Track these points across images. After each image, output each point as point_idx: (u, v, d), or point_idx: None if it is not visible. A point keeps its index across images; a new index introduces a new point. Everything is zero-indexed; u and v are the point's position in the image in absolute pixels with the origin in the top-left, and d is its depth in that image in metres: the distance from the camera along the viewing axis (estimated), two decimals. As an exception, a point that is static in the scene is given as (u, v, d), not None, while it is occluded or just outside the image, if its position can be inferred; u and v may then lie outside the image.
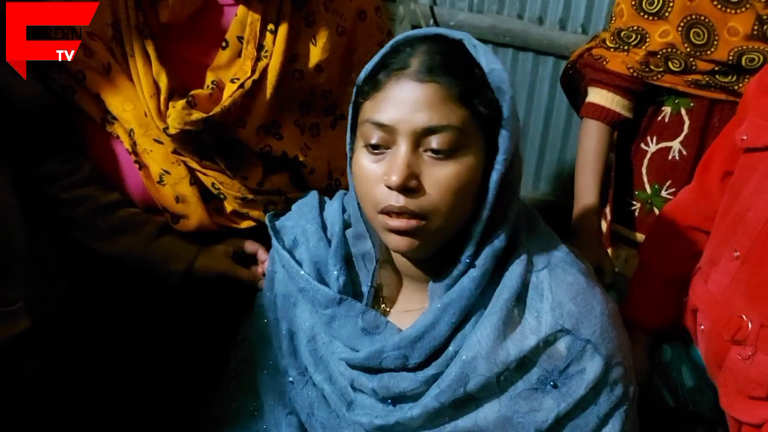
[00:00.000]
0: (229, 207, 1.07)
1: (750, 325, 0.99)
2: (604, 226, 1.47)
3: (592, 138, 1.39)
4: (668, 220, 1.22)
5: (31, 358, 0.96)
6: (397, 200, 0.74)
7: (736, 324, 1.01)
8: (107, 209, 1.04)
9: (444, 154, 0.74)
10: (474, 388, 0.78)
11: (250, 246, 1.10)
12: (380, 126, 0.74)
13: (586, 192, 1.37)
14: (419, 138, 0.73)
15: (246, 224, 1.09)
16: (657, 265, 1.21)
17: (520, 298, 0.80)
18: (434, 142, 0.73)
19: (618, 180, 1.45)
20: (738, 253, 1.01)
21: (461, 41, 0.77)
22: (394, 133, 0.74)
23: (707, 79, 1.29)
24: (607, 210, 1.47)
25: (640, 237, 1.42)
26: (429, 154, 0.74)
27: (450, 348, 0.80)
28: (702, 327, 1.09)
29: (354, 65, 1.10)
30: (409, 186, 0.73)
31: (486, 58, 0.76)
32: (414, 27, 2.71)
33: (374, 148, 0.75)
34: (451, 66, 0.74)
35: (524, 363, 0.79)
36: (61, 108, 1.01)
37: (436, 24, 2.61)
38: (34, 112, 0.98)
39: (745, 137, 1.05)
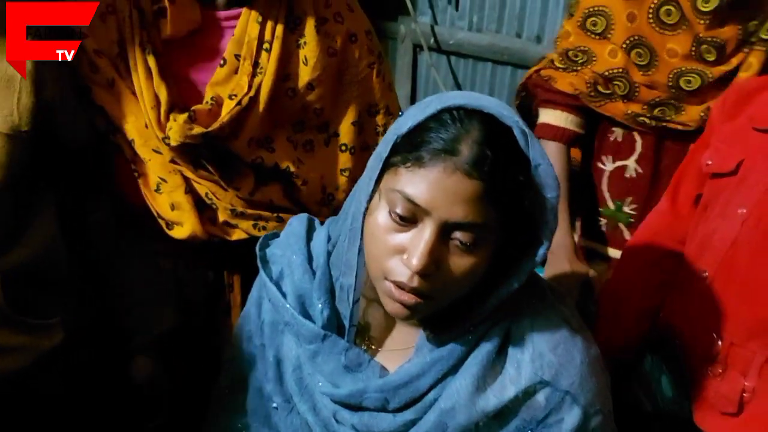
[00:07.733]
0: (221, 217, 1.13)
1: (720, 343, 1.02)
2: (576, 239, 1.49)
3: (552, 161, 1.37)
4: (640, 249, 1.22)
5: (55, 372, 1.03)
6: (411, 281, 0.73)
7: (707, 342, 1.03)
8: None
9: (468, 246, 0.73)
10: None
11: None
12: (413, 203, 0.72)
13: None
14: (449, 228, 0.72)
15: (237, 236, 1.14)
16: (629, 298, 1.20)
17: (501, 348, 0.81)
18: (462, 235, 0.72)
19: (583, 196, 1.46)
20: (707, 274, 1.05)
21: (510, 129, 0.74)
22: (425, 214, 0.72)
23: (646, 114, 1.30)
24: (577, 224, 1.49)
25: (612, 252, 1.44)
26: (454, 243, 0.73)
27: (430, 395, 0.81)
28: (677, 342, 1.12)
29: (345, 85, 1.17)
30: (428, 272, 0.73)
31: (534, 150, 0.74)
32: (415, 46, 2.77)
33: (399, 218, 0.73)
34: (499, 165, 0.71)
35: (503, 412, 0.80)
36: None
37: (437, 42, 2.68)
38: (81, 148, 1.08)
39: (710, 162, 1.08)
